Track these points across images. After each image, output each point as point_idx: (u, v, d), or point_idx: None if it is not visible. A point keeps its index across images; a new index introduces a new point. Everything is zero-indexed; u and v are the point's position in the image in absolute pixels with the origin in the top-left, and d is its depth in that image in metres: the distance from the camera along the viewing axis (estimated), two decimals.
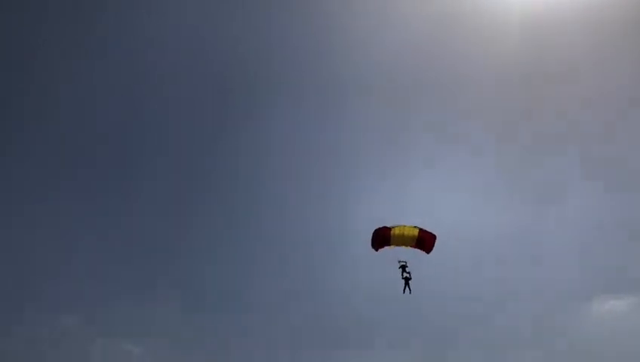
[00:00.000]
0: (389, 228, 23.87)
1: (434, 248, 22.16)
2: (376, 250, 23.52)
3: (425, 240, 24.80)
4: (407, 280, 25.50)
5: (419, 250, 23.65)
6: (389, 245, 24.51)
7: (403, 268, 24.25)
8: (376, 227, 24.15)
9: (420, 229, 24.14)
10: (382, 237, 24.05)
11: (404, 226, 23.89)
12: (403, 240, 24.77)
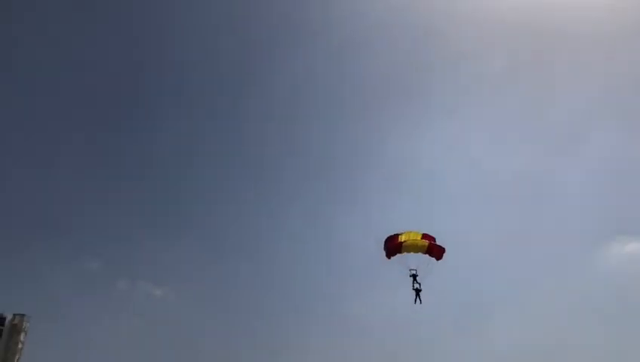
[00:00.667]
0: (401, 242, 24.12)
1: (444, 252, 22.64)
2: (389, 258, 24.03)
3: (434, 250, 25.30)
4: (417, 291, 26.06)
5: (428, 256, 24.11)
6: (401, 253, 25.07)
7: (414, 277, 24.55)
8: (388, 235, 24.72)
9: (430, 242, 24.42)
10: (393, 248, 24.71)
11: (416, 239, 24.05)
12: (414, 249, 25.14)
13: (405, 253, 25.49)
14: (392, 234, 25.47)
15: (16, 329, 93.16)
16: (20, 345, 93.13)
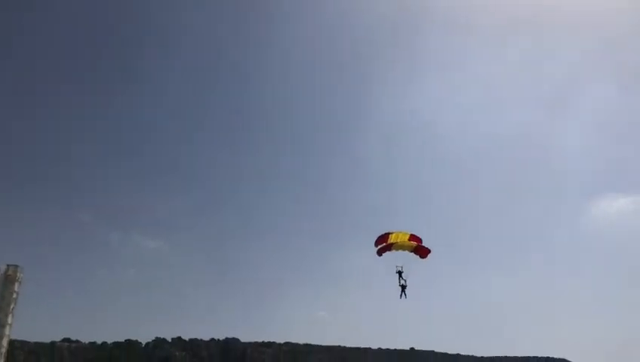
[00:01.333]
0: (391, 243, 26.05)
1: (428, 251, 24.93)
2: (380, 255, 26.53)
3: (420, 251, 27.28)
4: (403, 287, 28.80)
5: (414, 255, 26.26)
6: (390, 250, 27.03)
7: (399, 274, 27.08)
8: (379, 234, 26.63)
9: (417, 244, 26.36)
10: (384, 248, 26.78)
11: (404, 240, 25.93)
12: (402, 247, 27.04)
13: (394, 251, 27.18)
14: (383, 233, 27.20)
15: (10, 280, 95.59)
16: (14, 295, 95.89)
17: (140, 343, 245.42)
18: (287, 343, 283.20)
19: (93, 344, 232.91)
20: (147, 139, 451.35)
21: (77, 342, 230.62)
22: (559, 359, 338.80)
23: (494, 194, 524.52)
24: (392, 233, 27.59)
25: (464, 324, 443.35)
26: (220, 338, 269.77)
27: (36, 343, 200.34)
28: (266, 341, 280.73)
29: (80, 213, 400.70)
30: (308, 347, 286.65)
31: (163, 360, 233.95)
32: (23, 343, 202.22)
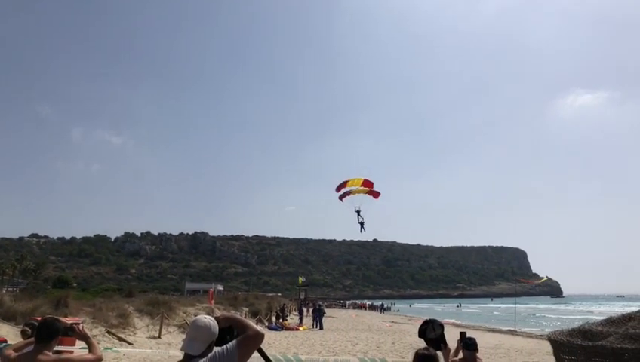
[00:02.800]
0: (349, 190, 32.01)
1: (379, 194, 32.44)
2: (341, 201, 32.10)
3: (373, 194, 32.94)
4: (361, 224, 35.05)
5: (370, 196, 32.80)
6: (349, 195, 32.36)
7: (358, 213, 32.59)
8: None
9: (370, 188, 32.36)
10: (343, 194, 32.21)
11: (358, 186, 31.89)
12: (358, 192, 32.58)
13: (352, 196, 32.82)
14: (341, 182, 32.55)
15: None
16: None
17: (109, 238, 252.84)
18: (255, 236, 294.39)
19: (62, 239, 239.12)
20: (109, 25, 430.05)
21: (45, 237, 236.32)
22: (512, 248, 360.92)
23: (464, 83, 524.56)
24: (348, 180, 33.03)
25: (426, 216, 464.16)
26: (190, 233, 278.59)
27: (3, 238, 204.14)
28: (235, 234, 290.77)
29: (39, 105, 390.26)
30: (275, 239, 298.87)
31: (133, 254, 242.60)
32: None
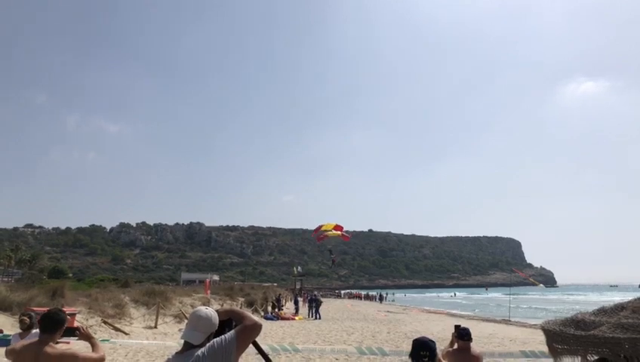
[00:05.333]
0: (325, 235, 41.17)
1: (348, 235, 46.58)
2: (319, 242, 47.10)
3: (343, 237, 43.38)
4: (333, 261, 51.62)
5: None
6: (326, 238, 41.89)
7: (330, 251, 45.83)
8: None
9: (341, 232, 41.70)
10: (319, 237, 42.05)
11: (332, 231, 40.82)
12: (331, 234, 41.40)
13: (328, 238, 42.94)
14: (317, 226, 42.04)
15: None
16: None
17: (105, 228, 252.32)
18: (251, 226, 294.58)
19: (57, 229, 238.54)
20: (105, 12, 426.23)
21: (40, 227, 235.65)
22: (507, 238, 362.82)
23: (464, 73, 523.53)
24: (323, 225, 41.48)
25: (421, 207, 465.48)
26: (185, 223, 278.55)
27: None
28: (230, 225, 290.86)
29: (33, 93, 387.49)
30: (271, 229, 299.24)
31: (128, 245, 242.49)
32: None
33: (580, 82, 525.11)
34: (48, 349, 3.74)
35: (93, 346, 4.13)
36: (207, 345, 2.71)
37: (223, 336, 2.73)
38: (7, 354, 3.96)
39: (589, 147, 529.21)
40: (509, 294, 49.55)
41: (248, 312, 2.99)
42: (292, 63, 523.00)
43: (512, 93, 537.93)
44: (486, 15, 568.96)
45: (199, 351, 2.68)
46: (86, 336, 4.19)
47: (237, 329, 2.78)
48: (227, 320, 2.87)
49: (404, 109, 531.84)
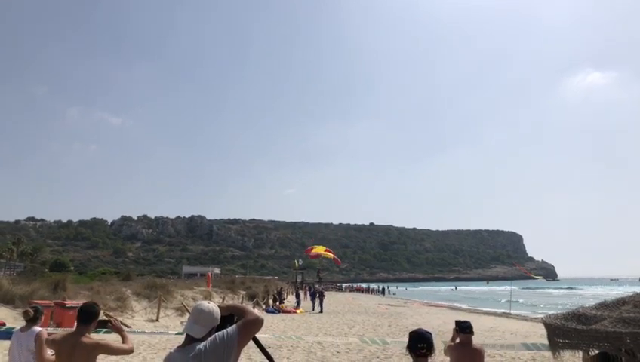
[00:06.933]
0: (318, 254, 45.34)
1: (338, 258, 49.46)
2: (310, 259, 51.39)
3: (334, 261, 48.40)
4: (320, 278, 57.04)
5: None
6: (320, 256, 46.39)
7: (318, 271, 48.09)
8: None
9: (333, 256, 47.18)
10: (312, 256, 46.67)
11: (325, 253, 45.33)
12: (325, 256, 45.79)
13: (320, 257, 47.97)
14: (309, 247, 47.81)
15: None
16: None
17: (106, 221, 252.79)
18: (252, 220, 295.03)
19: (58, 222, 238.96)
20: (106, 5, 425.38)
21: (42, 220, 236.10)
22: (508, 231, 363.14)
23: (469, 65, 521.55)
24: (314, 247, 46.58)
25: (422, 200, 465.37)
26: (186, 216, 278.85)
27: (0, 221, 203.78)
28: (232, 218, 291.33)
29: (34, 86, 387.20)
30: (272, 223, 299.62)
31: (130, 238, 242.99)
32: None
33: (587, 72, 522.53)
34: (84, 339, 4.02)
35: (124, 338, 4.45)
36: (209, 339, 2.72)
37: (224, 330, 2.75)
38: (48, 344, 4.34)
39: (595, 140, 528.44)
40: (511, 287, 49.75)
41: (250, 307, 3.00)
42: (293, 55, 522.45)
43: (515, 85, 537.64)
44: (489, 6, 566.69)
45: (201, 345, 2.69)
46: (117, 329, 4.49)
47: (239, 323, 2.79)
48: (228, 316, 2.90)
49: (406, 102, 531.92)
